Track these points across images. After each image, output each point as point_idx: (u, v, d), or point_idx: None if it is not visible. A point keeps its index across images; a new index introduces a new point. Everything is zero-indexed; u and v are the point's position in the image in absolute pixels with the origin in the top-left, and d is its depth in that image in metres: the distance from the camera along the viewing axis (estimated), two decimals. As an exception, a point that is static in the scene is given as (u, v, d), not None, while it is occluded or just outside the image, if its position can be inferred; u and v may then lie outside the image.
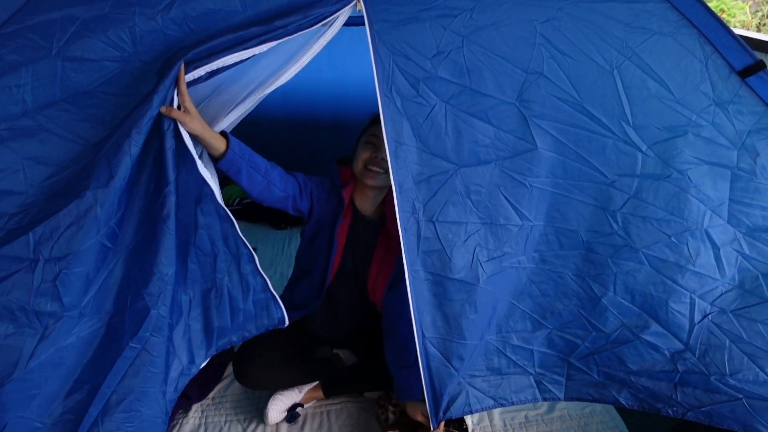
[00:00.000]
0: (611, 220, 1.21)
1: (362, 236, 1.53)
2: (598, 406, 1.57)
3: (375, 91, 1.10)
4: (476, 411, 1.39)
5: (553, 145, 1.16)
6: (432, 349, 1.29)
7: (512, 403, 1.40)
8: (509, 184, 1.20)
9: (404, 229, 1.19)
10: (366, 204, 1.52)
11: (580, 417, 1.57)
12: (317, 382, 1.61)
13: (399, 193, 1.17)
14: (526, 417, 1.58)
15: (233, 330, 1.25)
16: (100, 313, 1.04)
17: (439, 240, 1.22)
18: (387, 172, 1.32)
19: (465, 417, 1.45)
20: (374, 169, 1.40)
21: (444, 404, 1.34)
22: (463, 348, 1.29)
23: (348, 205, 1.47)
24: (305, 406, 1.61)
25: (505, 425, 1.55)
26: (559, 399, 1.39)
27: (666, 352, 1.26)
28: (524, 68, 1.11)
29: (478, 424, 1.53)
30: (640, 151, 1.16)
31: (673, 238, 1.19)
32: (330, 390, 1.62)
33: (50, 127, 1.01)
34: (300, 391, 1.58)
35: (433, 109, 1.14)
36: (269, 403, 1.54)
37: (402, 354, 1.40)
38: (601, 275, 1.25)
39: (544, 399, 1.40)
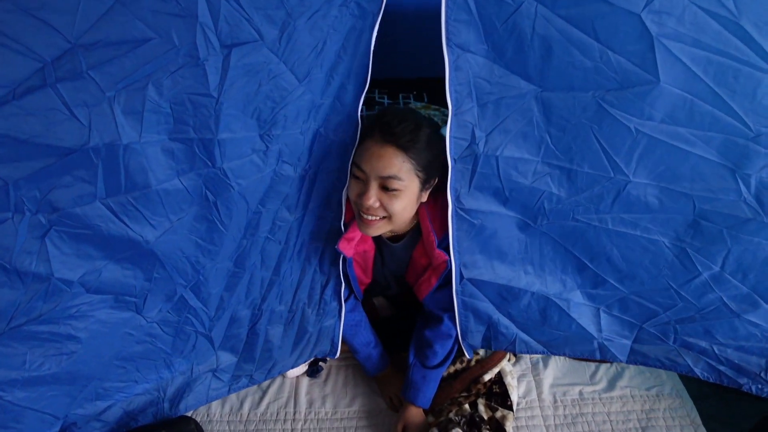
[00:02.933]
0: (741, 185, 0.96)
1: (392, 261, 1.33)
2: (667, 388, 1.37)
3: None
4: (521, 352, 1.35)
5: (683, 80, 0.87)
6: (471, 289, 1.22)
7: (566, 355, 1.35)
8: (607, 123, 0.95)
9: (454, 160, 1.04)
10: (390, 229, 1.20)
11: (644, 399, 1.35)
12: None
13: (454, 114, 1.00)
14: (580, 393, 1.37)
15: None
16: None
17: (500, 178, 1.06)
18: (387, 218, 1.09)
19: (509, 392, 1.35)
20: (367, 217, 1.08)
21: (481, 336, 1.31)
22: (509, 292, 1.21)
23: (357, 242, 1.20)
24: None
25: (555, 400, 1.35)
26: (621, 360, 1.30)
27: (768, 331, 1.10)
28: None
29: (524, 398, 1.36)
30: (813, 95, 0.84)
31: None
32: None
33: None
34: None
35: (518, 8, 0.88)
36: None
37: (426, 352, 1.33)
38: (709, 249, 1.05)
39: (604, 358, 1.31)
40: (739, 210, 0.98)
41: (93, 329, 0.95)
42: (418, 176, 1.06)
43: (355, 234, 1.17)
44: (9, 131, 0.77)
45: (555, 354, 1.36)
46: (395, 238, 1.28)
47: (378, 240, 1.29)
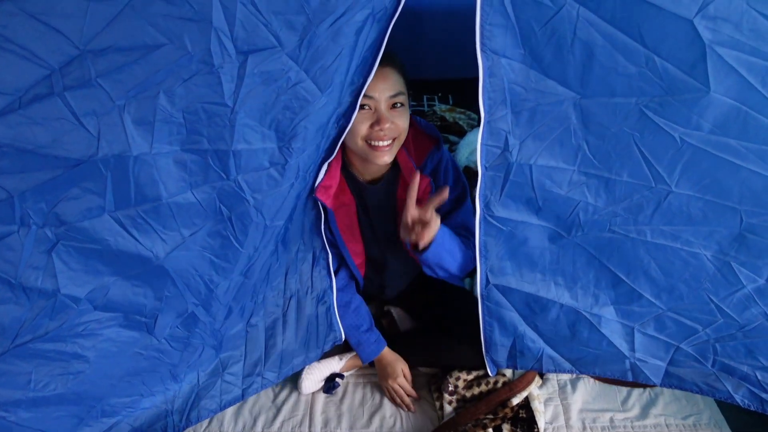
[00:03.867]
0: None
1: (374, 209, 1.30)
2: (704, 417, 1.30)
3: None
4: (548, 371, 1.30)
5: (736, 89, 0.82)
6: (497, 295, 1.18)
7: (595, 374, 1.30)
8: (650, 131, 0.90)
9: (485, 167, 1.01)
10: (373, 169, 1.25)
11: (680, 429, 1.28)
12: None
13: (487, 122, 0.96)
14: (611, 420, 1.31)
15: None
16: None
17: (533, 187, 1.02)
18: (395, 140, 1.13)
19: (536, 417, 1.29)
20: (380, 144, 1.11)
21: (507, 351, 1.27)
22: (537, 303, 1.17)
23: (336, 192, 1.18)
24: (346, 375, 1.42)
25: (584, 427, 1.29)
26: (654, 383, 1.25)
27: (816, 353, 1.05)
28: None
29: (551, 423, 1.30)
30: None
31: None
32: None
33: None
34: (341, 359, 1.40)
35: (559, 12, 0.83)
36: (304, 372, 1.36)
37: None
38: (756, 262, 1.01)
39: (636, 380, 1.26)
40: (791, 226, 0.93)
41: (101, 348, 0.92)
42: (408, 91, 1.15)
43: (332, 182, 1.15)
44: (14, 141, 0.74)
45: (584, 373, 1.31)
46: (373, 180, 1.28)
47: (357, 189, 1.27)
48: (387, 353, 1.38)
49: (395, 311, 1.53)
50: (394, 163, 1.23)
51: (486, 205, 1.06)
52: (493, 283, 1.17)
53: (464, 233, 1.23)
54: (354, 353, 1.41)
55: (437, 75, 2.06)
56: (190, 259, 0.93)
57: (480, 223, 1.08)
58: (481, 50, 0.87)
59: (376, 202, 1.31)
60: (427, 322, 1.48)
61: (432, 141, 1.25)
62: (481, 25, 0.85)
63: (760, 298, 1.03)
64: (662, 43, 0.81)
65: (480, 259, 1.13)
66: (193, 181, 0.86)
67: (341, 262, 1.33)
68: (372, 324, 1.40)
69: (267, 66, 0.80)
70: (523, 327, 1.23)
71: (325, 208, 1.16)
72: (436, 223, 1.10)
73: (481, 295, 1.19)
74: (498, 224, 1.08)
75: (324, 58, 0.84)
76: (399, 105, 1.11)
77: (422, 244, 1.13)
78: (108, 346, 0.93)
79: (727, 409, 1.32)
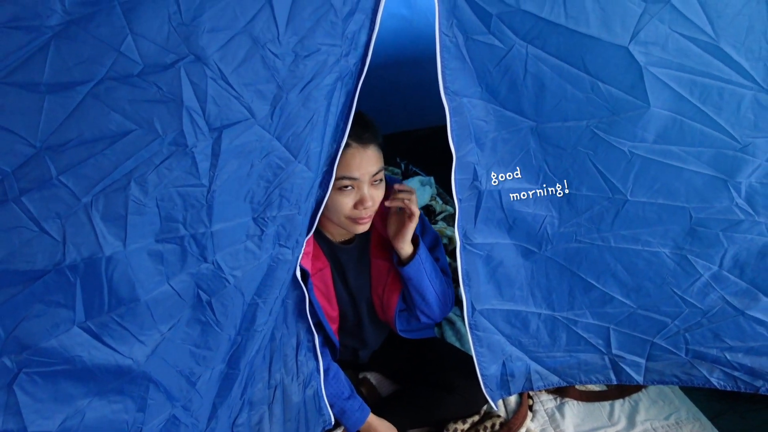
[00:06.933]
0: (733, 192, 1.07)
1: (350, 271, 1.34)
2: (683, 413, 1.44)
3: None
4: (538, 388, 1.39)
5: (672, 102, 0.97)
6: (483, 321, 1.26)
7: (581, 383, 1.40)
8: (602, 149, 1.05)
9: (460, 200, 1.11)
10: (345, 231, 1.29)
11: (666, 430, 1.40)
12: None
13: (458, 157, 1.06)
14: None
15: None
16: None
17: (503, 209, 1.13)
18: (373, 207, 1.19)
19: None
20: (363, 218, 1.16)
21: (498, 379, 1.33)
22: (517, 318, 1.27)
23: (312, 257, 1.21)
24: None
25: None
26: (637, 382, 1.37)
27: (773, 326, 1.22)
28: (644, -6, 0.88)
29: None
30: (789, 104, 0.96)
31: (812, 206, 1.06)
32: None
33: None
34: None
35: (510, 51, 0.94)
36: None
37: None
38: (708, 251, 1.16)
39: (619, 381, 1.38)
40: (732, 214, 1.09)
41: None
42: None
43: (308, 248, 1.17)
44: (-41, 263, 0.67)
45: (570, 383, 1.40)
46: (346, 241, 1.33)
47: (331, 251, 1.32)
48: (373, 420, 1.37)
49: (372, 376, 1.52)
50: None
51: (464, 235, 1.15)
52: (478, 309, 1.25)
53: (442, 276, 1.31)
54: (340, 428, 1.38)
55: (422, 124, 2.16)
56: (170, 354, 0.88)
57: (461, 253, 1.16)
58: (445, 93, 0.96)
59: (351, 262, 1.33)
60: (407, 380, 1.49)
61: None
62: (443, 71, 0.93)
63: (716, 284, 1.19)
64: (604, 69, 0.94)
65: (464, 289, 1.20)
66: (169, 272, 0.83)
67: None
68: (353, 390, 1.39)
69: (241, 139, 0.81)
70: (509, 348, 1.32)
71: (305, 278, 1.15)
72: (415, 215, 1.20)
73: (470, 325, 1.25)
74: (476, 250, 1.17)
75: (296, 124, 0.86)
76: (379, 181, 1.17)
77: (404, 243, 1.21)
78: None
79: (700, 400, 1.48)
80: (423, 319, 1.33)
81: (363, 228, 1.19)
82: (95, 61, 0.69)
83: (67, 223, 0.71)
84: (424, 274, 1.26)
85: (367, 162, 1.12)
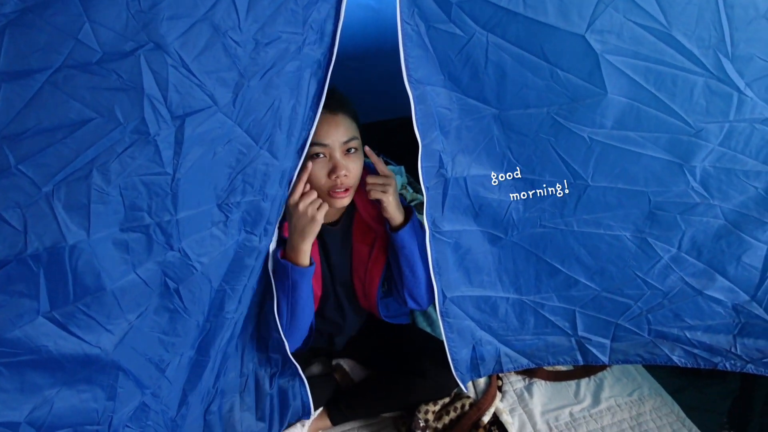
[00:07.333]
0: (689, 175, 1.11)
1: (334, 252, 1.35)
2: (645, 389, 1.50)
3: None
4: (508, 370, 1.44)
5: (628, 89, 1.00)
6: (454, 309, 1.29)
7: (549, 364, 1.45)
8: (563, 135, 1.07)
9: (427, 187, 1.13)
10: (330, 212, 1.28)
11: (630, 405, 1.47)
12: (321, 409, 1.43)
13: (423, 145, 1.08)
14: (571, 414, 1.45)
15: None
16: None
17: (469, 196, 1.16)
18: (351, 187, 1.19)
19: (509, 429, 1.38)
20: (339, 191, 1.16)
21: (468, 363, 1.37)
22: (486, 303, 1.30)
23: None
24: None
25: (550, 428, 1.42)
26: (603, 362, 1.42)
27: (729, 304, 1.27)
28: (599, -15, 0.91)
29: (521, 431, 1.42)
30: (737, 90, 1.01)
31: (761, 191, 1.12)
32: (338, 416, 1.43)
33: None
34: (303, 425, 1.37)
35: (470, 39, 0.96)
36: None
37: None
38: (667, 234, 1.20)
39: (586, 362, 1.43)
40: (689, 197, 1.14)
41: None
42: (359, 136, 1.20)
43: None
44: None
45: (539, 364, 1.45)
46: (332, 222, 1.34)
47: (319, 232, 1.31)
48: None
49: (346, 363, 1.54)
50: (351, 206, 1.28)
51: (433, 223, 1.17)
52: (449, 297, 1.28)
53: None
54: (315, 416, 1.41)
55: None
56: (139, 342, 0.89)
57: (430, 241, 1.18)
58: (409, 81, 0.98)
59: (335, 244, 1.35)
60: (380, 366, 1.51)
61: None
62: (406, 59, 0.95)
63: (676, 266, 1.24)
64: (562, 57, 0.97)
65: (435, 278, 1.23)
66: (135, 260, 0.83)
67: None
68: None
69: (204, 126, 0.82)
70: (479, 332, 1.35)
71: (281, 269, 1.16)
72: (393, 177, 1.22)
73: (441, 312, 1.28)
74: (444, 238, 1.20)
75: (257, 111, 0.87)
76: (353, 150, 1.16)
77: (392, 213, 1.21)
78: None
79: (662, 377, 1.55)
80: (410, 303, 1.34)
81: (341, 202, 1.18)
82: (52, 49, 0.69)
83: (28, 212, 0.72)
84: (416, 243, 1.24)
85: (336, 128, 1.12)
